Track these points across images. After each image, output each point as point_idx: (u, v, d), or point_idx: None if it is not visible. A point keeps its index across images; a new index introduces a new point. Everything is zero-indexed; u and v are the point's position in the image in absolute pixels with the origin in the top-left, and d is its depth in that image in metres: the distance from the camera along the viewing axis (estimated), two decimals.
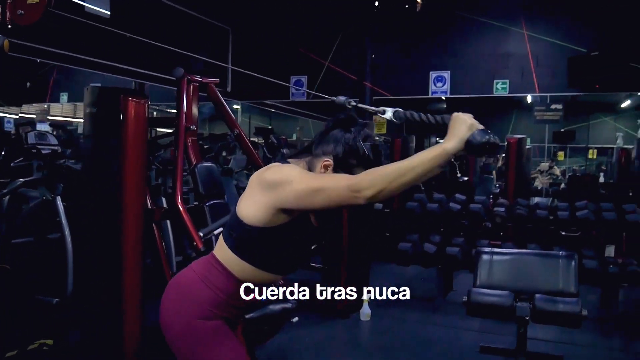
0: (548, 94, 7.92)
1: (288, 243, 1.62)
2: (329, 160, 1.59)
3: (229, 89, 9.09)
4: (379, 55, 8.13)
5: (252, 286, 1.68)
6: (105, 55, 7.41)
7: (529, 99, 13.69)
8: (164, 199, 3.72)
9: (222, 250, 1.67)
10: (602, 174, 10.59)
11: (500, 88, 7.71)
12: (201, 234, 2.79)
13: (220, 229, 2.91)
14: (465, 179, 7.29)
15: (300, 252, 1.70)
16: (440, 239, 5.05)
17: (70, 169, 3.67)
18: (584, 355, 3.72)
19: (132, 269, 2.70)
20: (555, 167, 14.61)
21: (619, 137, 9.49)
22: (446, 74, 7.94)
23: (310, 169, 1.63)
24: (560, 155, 15.12)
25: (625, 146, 7.94)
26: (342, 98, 1.75)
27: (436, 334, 4.17)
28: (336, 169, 1.59)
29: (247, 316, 3.29)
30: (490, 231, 5.36)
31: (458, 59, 7.86)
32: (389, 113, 1.61)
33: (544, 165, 14.36)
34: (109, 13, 7.15)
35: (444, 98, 9.21)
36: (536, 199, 7.60)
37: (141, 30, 6.56)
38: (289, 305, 3.21)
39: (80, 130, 12.31)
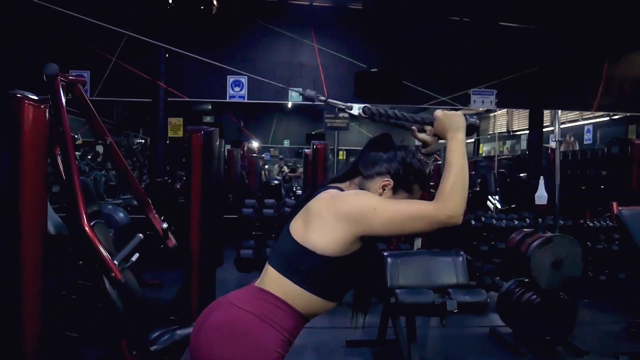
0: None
1: (360, 267, 1.60)
2: (388, 180, 1.60)
3: None
4: (175, 55, 7.78)
5: (309, 319, 1.60)
6: None
7: (289, 105, 14.79)
8: None
9: (281, 286, 1.54)
10: None
11: (295, 96, 8.20)
12: (116, 262, 2.39)
13: (137, 255, 2.54)
14: (276, 182, 7.54)
15: (365, 275, 1.68)
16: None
17: None
18: (424, 334, 4.33)
19: (33, 311, 2.21)
20: (284, 166, 16.14)
21: None
22: (244, 79, 8.08)
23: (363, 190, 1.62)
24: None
25: None
26: (312, 92, 1.71)
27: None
28: (395, 188, 1.61)
29: (152, 348, 2.97)
30: None
31: (255, 65, 8.06)
32: (355, 109, 1.64)
33: (276, 167, 15.72)
34: None
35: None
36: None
37: None
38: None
39: None
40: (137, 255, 2.51)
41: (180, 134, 8.20)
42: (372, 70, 8.13)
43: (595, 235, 5.66)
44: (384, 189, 1.60)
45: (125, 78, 7.90)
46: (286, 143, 17.56)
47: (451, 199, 1.45)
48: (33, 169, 2.16)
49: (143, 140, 14.74)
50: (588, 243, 5.46)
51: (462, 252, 3.24)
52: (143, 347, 2.86)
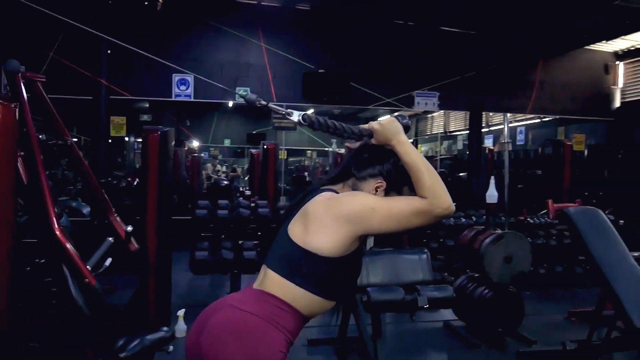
0: (284, 103, 8.72)
1: (357, 265, 1.65)
2: (381, 182, 1.65)
3: None
4: (118, 52, 7.52)
5: (309, 319, 1.64)
6: None
7: (230, 104, 14.62)
8: None
9: (283, 288, 1.56)
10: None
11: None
12: (89, 267, 2.31)
13: (110, 260, 2.47)
14: (226, 182, 7.43)
15: (360, 271, 1.73)
16: (232, 244, 5.14)
17: None
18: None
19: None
20: (218, 166, 16.05)
21: (333, 142, 11.06)
22: (190, 78, 7.93)
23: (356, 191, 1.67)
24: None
25: (340, 150, 9.37)
26: (253, 96, 1.66)
27: None
28: (388, 189, 1.66)
29: (121, 355, 2.90)
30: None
31: (202, 64, 7.94)
32: (295, 115, 1.63)
33: (210, 166, 15.61)
34: None
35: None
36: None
37: None
38: (163, 333, 2.96)
39: None
40: (110, 260, 2.44)
41: (123, 133, 7.94)
42: (319, 71, 8.20)
43: (535, 231, 6.00)
44: (376, 191, 1.65)
45: (64, 75, 7.54)
46: (227, 142, 17.31)
47: (437, 192, 1.51)
48: (3, 171, 2.06)
49: (76, 139, 14.13)
50: (529, 239, 5.77)
51: (426, 250, 3.37)
52: (111, 354, 2.79)
